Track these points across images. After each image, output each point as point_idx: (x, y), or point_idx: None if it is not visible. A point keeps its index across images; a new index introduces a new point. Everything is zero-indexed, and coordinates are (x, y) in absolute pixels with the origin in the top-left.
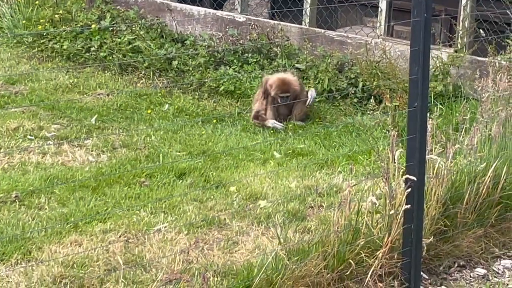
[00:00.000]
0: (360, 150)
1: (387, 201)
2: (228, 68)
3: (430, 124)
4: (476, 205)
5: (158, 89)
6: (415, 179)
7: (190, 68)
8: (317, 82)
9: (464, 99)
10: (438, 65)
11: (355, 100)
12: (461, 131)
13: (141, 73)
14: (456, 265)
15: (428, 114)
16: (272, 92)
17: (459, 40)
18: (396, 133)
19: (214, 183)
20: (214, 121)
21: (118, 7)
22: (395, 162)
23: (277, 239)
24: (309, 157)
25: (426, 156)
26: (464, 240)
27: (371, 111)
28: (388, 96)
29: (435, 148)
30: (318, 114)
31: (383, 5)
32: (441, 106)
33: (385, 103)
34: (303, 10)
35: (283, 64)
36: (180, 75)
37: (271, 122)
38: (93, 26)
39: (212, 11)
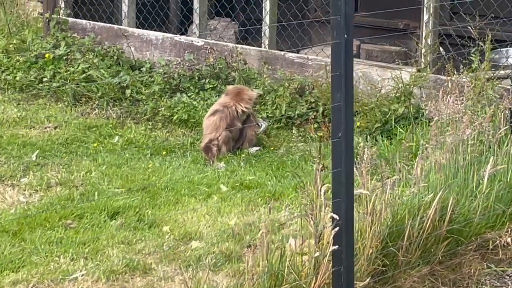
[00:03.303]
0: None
1: (313, 242)
2: (184, 95)
3: (367, 153)
4: (420, 241)
5: (111, 119)
6: (337, 218)
7: (144, 97)
8: (274, 107)
9: (427, 121)
10: (399, 86)
11: (316, 125)
12: (404, 160)
13: (94, 103)
14: None
15: (353, 144)
16: (248, 105)
17: (422, 59)
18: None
19: (148, 222)
20: (164, 152)
21: (75, 34)
22: (322, 198)
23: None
24: (256, 189)
25: (355, 191)
26: (407, 280)
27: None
28: (312, 126)
29: (372, 180)
30: (273, 142)
31: None
32: (401, 130)
33: (310, 134)
34: (262, 32)
35: None
36: (134, 104)
37: (220, 166)
38: (46, 55)
39: (170, 35)
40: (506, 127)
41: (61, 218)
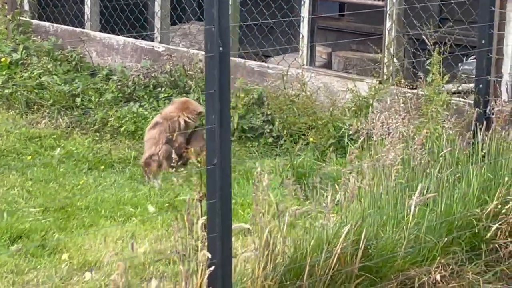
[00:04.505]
0: (248, 201)
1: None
2: (137, 104)
3: (266, 180)
4: (326, 280)
5: (59, 129)
6: (209, 256)
7: (95, 106)
8: None
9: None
10: (356, 100)
11: (270, 140)
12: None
13: (45, 111)
14: None
15: (231, 171)
16: (192, 116)
17: (385, 69)
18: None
19: (49, 248)
20: (102, 167)
21: (37, 37)
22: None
23: None
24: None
25: (234, 225)
26: None
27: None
28: (191, 150)
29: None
30: None
31: (304, 31)
32: (353, 147)
33: (191, 159)
34: None
35: (197, 99)
36: (86, 113)
37: (156, 183)
38: (2, 59)
39: (132, 40)
40: (450, 149)
41: None
